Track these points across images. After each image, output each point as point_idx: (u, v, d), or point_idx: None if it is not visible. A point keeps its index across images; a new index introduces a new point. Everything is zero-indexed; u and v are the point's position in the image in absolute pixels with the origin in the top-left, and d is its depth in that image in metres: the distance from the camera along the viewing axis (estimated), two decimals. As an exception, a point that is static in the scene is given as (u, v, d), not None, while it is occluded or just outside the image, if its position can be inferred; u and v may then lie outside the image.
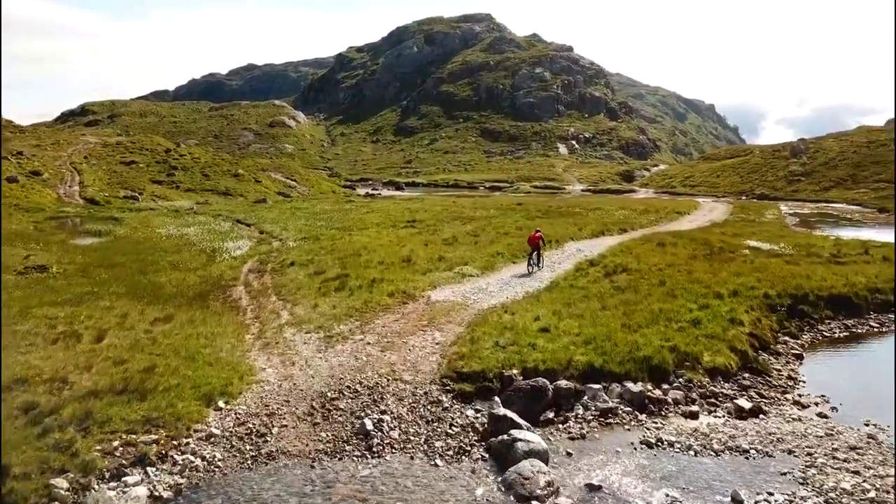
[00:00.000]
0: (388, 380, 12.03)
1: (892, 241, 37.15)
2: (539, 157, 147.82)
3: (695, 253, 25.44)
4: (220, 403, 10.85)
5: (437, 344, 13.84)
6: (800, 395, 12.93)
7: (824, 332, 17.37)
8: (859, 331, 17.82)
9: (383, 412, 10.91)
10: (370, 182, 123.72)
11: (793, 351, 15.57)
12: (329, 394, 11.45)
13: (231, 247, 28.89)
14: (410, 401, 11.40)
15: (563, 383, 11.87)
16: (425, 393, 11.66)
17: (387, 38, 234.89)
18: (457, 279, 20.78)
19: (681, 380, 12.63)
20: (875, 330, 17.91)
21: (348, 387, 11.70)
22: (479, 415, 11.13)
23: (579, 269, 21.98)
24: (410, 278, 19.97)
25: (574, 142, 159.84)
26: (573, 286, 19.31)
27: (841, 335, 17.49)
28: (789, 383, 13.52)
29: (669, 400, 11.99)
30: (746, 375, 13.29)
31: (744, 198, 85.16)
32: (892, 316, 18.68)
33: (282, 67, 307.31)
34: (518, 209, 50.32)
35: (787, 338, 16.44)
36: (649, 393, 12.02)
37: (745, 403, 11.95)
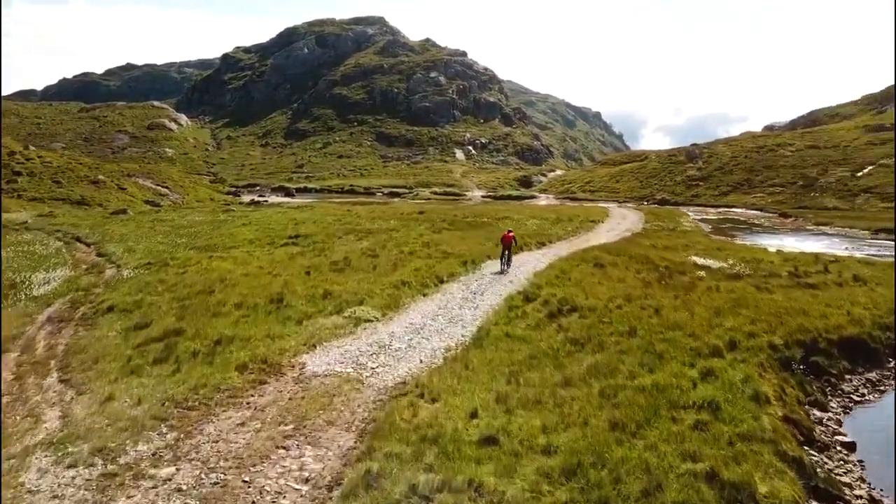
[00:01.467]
0: None
1: (829, 250, 34.72)
2: (437, 162, 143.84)
3: (644, 277, 20.73)
4: None
5: (306, 483, 7.74)
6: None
7: (852, 396, 12.70)
8: (886, 386, 13.38)
9: None
10: (258, 188, 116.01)
11: (839, 438, 10.69)
12: None
13: (39, 279, 21.17)
14: None
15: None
16: None
17: (276, 39, 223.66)
18: (348, 328, 14.70)
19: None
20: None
21: None
22: None
23: (512, 306, 16.44)
24: (278, 333, 13.68)
25: (471, 147, 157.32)
26: (510, 335, 13.73)
27: (869, 395, 12.95)
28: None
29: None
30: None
31: (645, 203, 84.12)
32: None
33: (164, 68, 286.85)
34: (420, 219, 44.70)
35: (816, 410, 11.61)
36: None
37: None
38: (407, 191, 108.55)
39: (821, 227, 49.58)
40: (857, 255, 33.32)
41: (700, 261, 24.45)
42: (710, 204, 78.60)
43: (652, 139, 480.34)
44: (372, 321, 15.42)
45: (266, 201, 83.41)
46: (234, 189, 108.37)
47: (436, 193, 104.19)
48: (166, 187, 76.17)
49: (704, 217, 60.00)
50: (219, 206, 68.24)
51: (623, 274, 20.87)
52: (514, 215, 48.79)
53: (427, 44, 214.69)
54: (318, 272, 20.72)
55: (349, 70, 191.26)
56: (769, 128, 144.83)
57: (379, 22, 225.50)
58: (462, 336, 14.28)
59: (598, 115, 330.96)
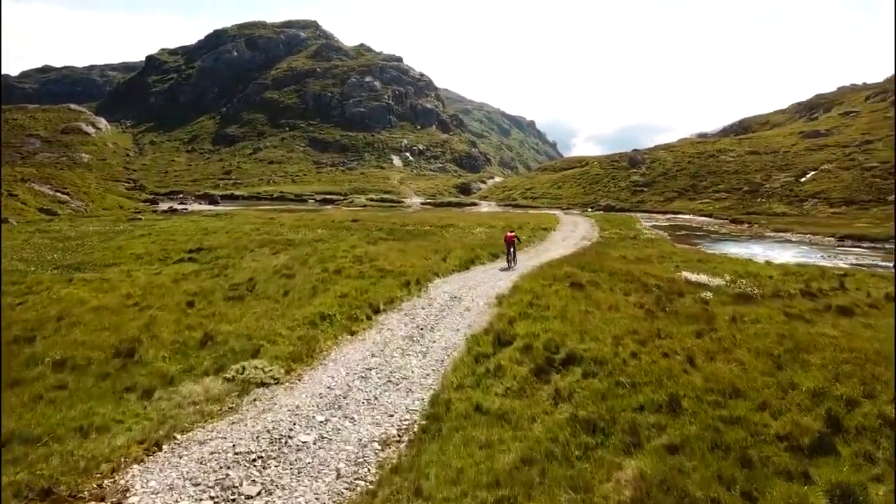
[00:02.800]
0: None
1: (805, 259, 31.34)
2: (373, 169, 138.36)
3: (638, 301, 16.09)
4: None
5: None
6: None
7: None
8: None
9: None
10: (181, 195, 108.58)
11: None
12: None
13: None
14: None
15: None
16: None
17: (203, 42, 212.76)
18: (228, 401, 9.33)
19: None
20: None
21: None
22: None
23: (480, 354, 11.26)
24: (105, 419, 8.18)
25: (408, 153, 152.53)
26: (482, 409, 8.64)
27: None
28: None
29: None
30: None
31: (590, 209, 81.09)
32: None
33: (85, 71, 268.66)
34: (354, 227, 39.33)
35: None
36: None
37: None
38: (341, 198, 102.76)
39: (781, 234, 46.86)
40: (842, 264, 30.03)
41: (692, 277, 20.12)
42: (657, 210, 76.01)
43: (583, 148, 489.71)
44: (269, 385, 10.09)
45: (185, 209, 76.49)
46: (153, 196, 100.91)
47: (372, 200, 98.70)
48: (67, 194, 67.75)
49: (655, 224, 56.78)
50: (126, 213, 60.77)
51: (611, 298, 16.16)
52: (459, 223, 44.00)
53: (362, 48, 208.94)
54: (207, 302, 15.14)
55: (281, 74, 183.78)
56: (701, 136, 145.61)
57: (312, 26, 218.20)
58: (408, 411, 9.14)
59: (532, 124, 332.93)
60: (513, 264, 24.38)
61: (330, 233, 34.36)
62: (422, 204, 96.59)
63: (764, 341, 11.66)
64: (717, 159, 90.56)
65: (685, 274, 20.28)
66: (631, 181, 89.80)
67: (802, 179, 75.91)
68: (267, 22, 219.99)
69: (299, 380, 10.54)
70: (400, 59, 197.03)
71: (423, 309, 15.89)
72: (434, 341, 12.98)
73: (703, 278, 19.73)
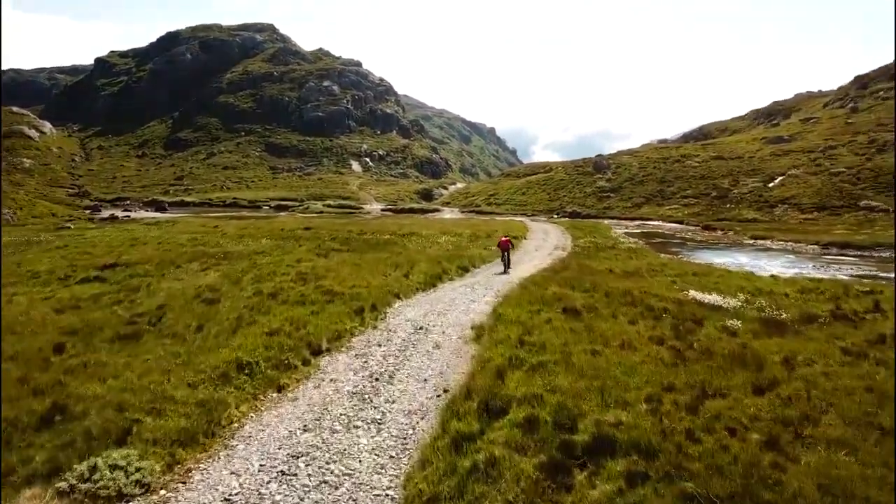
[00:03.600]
0: None
1: (797, 271, 28.66)
2: (331, 174, 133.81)
3: (650, 330, 12.75)
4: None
5: None
6: None
7: None
8: None
9: None
10: (128, 202, 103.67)
11: None
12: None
13: None
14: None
15: None
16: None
17: (155, 44, 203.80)
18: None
19: None
20: None
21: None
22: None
23: (460, 436, 7.47)
24: None
25: (368, 159, 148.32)
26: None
27: None
28: None
29: None
30: None
31: (556, 216, 78.45)
32: None
33: (32, 74, 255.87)
34: (305, 237, 35.38)
35: None
36: None
37: None
38: (297, 204, 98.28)
39: (760, 242, 44.49)
40: (841, 276, 27.43)
41: (700, 296, 16.89)
42: (625, 216, 73.71)
43: (542, 155, 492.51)
44: (131, 501, 6.36)
45: (127, 217, 71.47)
46: (95, 203, 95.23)
47: (330, 206, 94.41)
48: (-8, 201, 61.86)
49: (627, 231, 54.11)
50: (57, 222, 55.39)
51: (617, 328, 12.76)
52: (422, 231, 40.39)
53: (320, 52, 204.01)
54: (85, 345, 11.19)
55: (236, 77, 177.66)
56: (662, 142, 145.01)
57: (269, 29, 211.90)
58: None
59: (492, 131, 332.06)
60: (509, 270, 24.31)
61: (276, 243, 30.36)
62: (382, 210, 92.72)
63: (851, 402, 8.36)
64: (682, 164, 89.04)
65: (692, 293, 17.05)
66: (597, 187, 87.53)
67: (770, 185, 74.59)
68: (223, 25, 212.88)
69: (184, 483, 6.78)
70: (359, 64, 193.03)
71: (380, 346, 12.22)
72: (393, 400, 9.34)
73: (713, 298, 16.52)
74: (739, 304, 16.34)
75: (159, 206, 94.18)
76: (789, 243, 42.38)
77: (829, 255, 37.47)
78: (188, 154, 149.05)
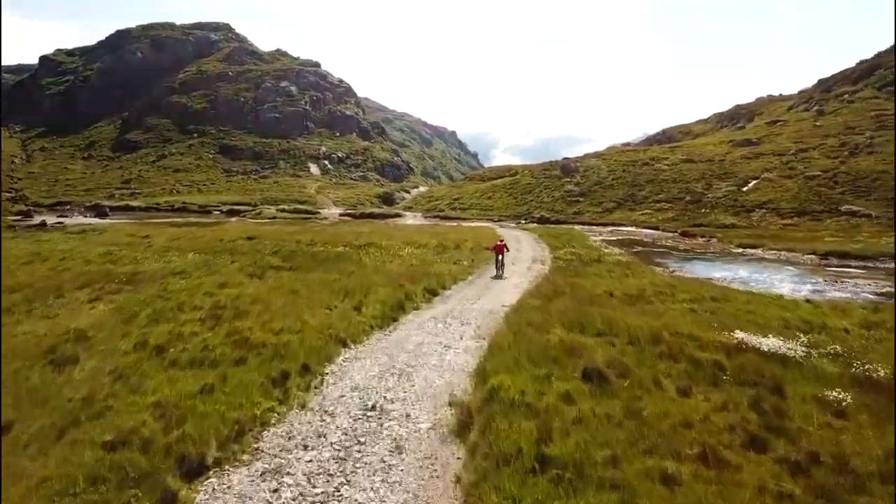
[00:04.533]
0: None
1: (811, 288, 24.88)
2: (288, 177, 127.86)
3: (722, 412, 8.41)
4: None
5: None
6: None
7: None
8: None
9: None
10: (68, 206, 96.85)
11: None
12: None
13: None
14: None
15: None
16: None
17: (104, 42, 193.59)
18: None
19: None
20: None
21: None
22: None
23: None
24: None
25: (326, 161, 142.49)
26: None
27: None
28: None
29: None
30: None
31: (523, 221, 74.50)
32: None
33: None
34: (244, 248, 30.33)
35: None
36: None
37: None
38: (250, 208, 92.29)
39: (750, 252, 40.96)
40: (868, 295, 23.74)
41: (752, 340, 12.62)
42: (596, 222, 70.00)
43: (503, 159, 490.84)
44: None
45: (60, 223, 64.87)
46: (29, 209, 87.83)
47: (284, 211, 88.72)
48: None
49: (602, 238, 50.22)
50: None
51: (670, 408, 8.39)
52: (383, 241, 35.62)
53: (278, 53, 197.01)
54: None
55: (189, 77, 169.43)
56: (625, 146, 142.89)
57: (224, 28, 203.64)
58: None
59: (453, 135, 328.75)
60: (501, 272, 25.15)
61: (205, 259, 25.27)
62: (340, 215, 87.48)
63: None
64: (652, 167, 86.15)
65: (740, 335, 12.81)
66: (565, 191, 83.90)
67: (745, 188, 71.94)
68: (176, 23, 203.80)
69: None
70: (318, 65, 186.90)
71: (307, 450, 7.56)
72: None
73: (772, 343, 12.28)
74: (804, 348, 12.16)
75: (101, 212, 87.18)
76: (782, 253, 38.90)
77: (831, 266, 34.05)
78: (137, 156, 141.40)
